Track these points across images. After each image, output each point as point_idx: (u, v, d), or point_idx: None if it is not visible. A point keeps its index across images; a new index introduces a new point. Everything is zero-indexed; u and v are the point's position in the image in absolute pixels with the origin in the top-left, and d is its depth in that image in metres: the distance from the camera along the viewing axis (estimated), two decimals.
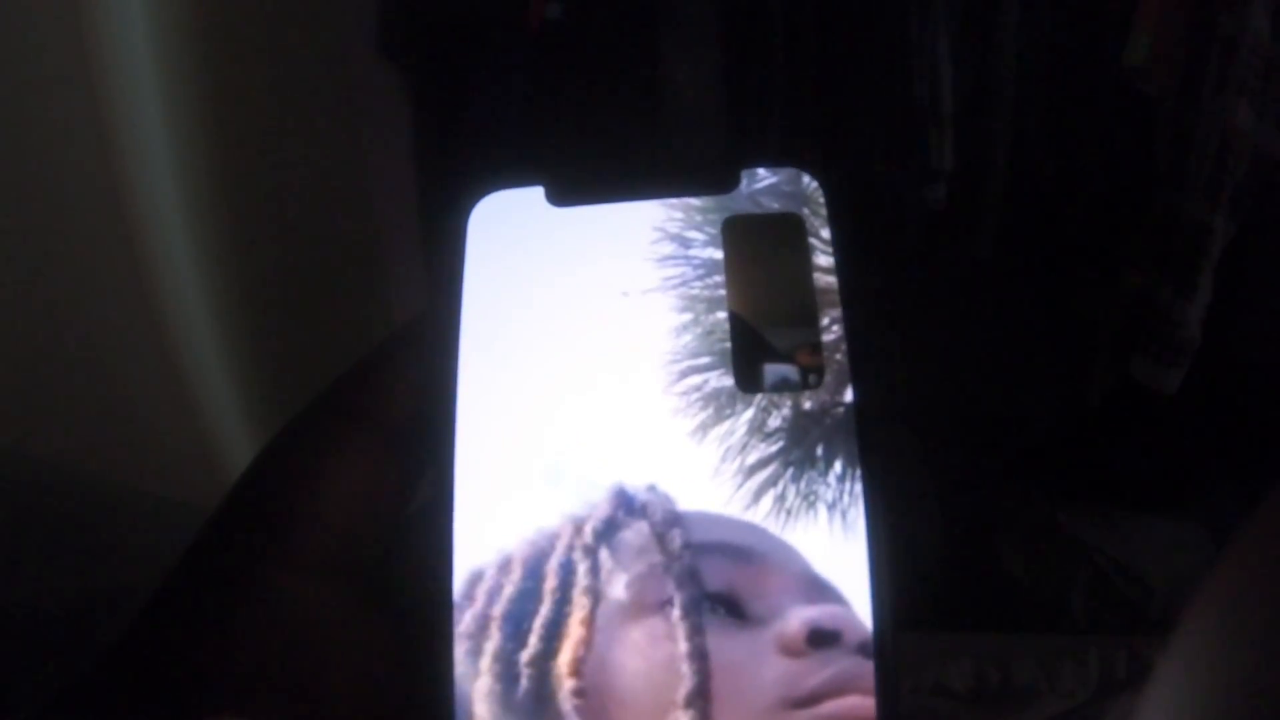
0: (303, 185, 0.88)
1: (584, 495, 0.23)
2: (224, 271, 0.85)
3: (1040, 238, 1.06)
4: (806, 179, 0.25)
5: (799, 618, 0.22)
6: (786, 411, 0.23)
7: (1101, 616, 0.96)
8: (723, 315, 0.24)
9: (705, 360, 0.24)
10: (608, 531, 0.23)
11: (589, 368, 0.24)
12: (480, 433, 0.23)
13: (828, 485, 0.22)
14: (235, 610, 0.22)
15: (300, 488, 0.23)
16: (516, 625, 0.22)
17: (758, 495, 0.22)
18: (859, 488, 0.22)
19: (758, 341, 0.24)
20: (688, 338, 0.24)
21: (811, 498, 0.22)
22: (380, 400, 0.24)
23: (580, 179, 0.25)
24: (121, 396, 0.82)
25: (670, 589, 0.22)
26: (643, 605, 0.22)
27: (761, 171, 0.26)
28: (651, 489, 0.23)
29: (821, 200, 0.25)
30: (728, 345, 0.24)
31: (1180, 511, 1.04)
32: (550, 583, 0.22)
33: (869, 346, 0.24)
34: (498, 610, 0.22)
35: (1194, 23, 1.01)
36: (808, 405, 0.23)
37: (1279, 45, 0.98)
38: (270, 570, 0.23)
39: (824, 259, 0.25)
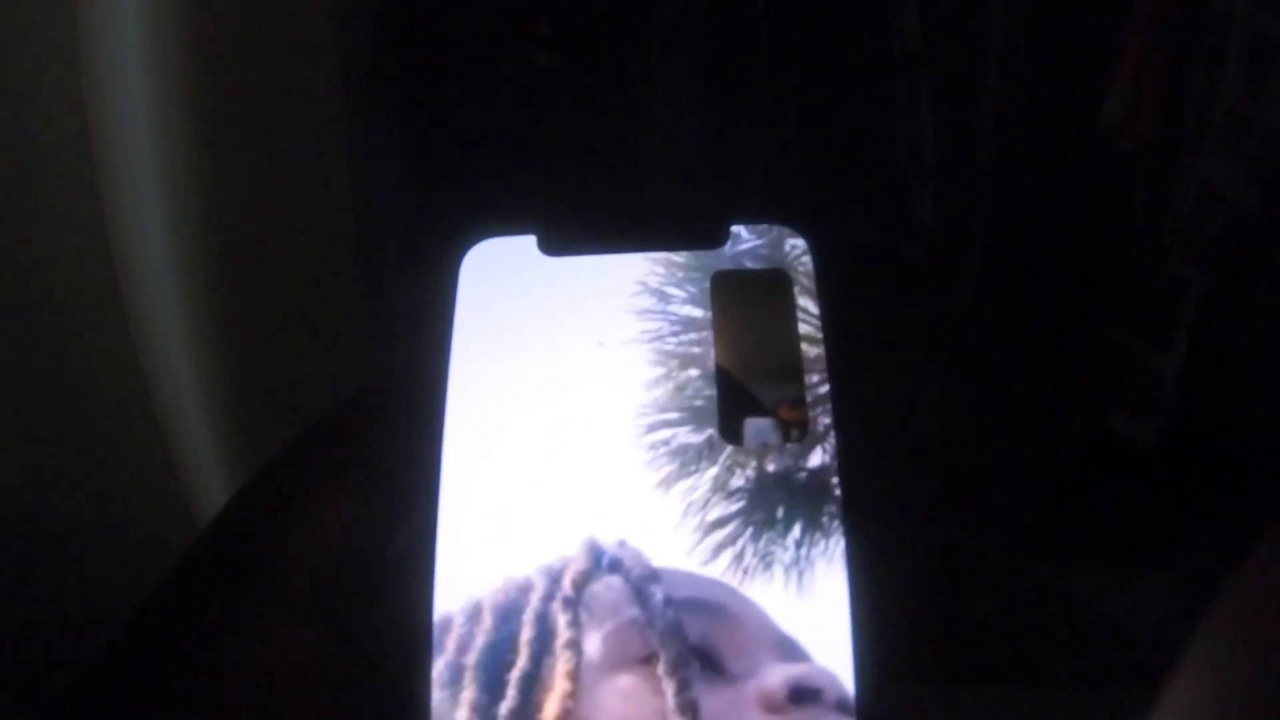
0: (287, 225, 0.89)
1: (555, 546, 0.23)
2: (203, 307, 0.85)
3: (1019, 292, 1.07)
4: (793, 236, 0.26)
5: (780, 674, 0.22)
6: (750, 472, 0.24)
7: (1080, 668, 0.96)
8: (695, 372, 0.25)
9: (675, 415, 0.24)
10: (585, 584, 0.23)
11: (565, 417, 0.24)
12: (458, 479, 0.24)
13: (785, 548, 0.23)
14: (211, 643, 0.22)
15: (281, 524, 0.24)
16: (492, 676, 0.22)
17: (716, 552, 0.23)
18: (818, 551, 0.23)
19: (742, 396, 0.24)
20: (659, 392, 0.24)
21: (769, 559, 0.23)
22: (363, 442, 0.25)
23: (573, 230, 0.26)
24: (93, 431, 0.82)
25: (654, 643, 0.22)
26: (625, 659, 0.22)
27: (749, 228, 0.26)
28: (622, 544, 0.23)
29: (807, 257, 0.26)
30: (698, 402, 0.24)
31: (1158, 564, 1.04)
32: (526, 634, 0.22)
33: (854, 404, 0.24)
34: (470, 660, 0.22)
35: (1171, 81, 1.03)
36: (771, 467, 0.24)
37: (1254, 103, 1.00)
38: (248, 604, 0.23)
39: (810, 315, 0.25)
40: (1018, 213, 1.05)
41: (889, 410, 0.96)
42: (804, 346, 0.25)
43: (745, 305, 0.25)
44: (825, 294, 0.25)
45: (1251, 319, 1.05)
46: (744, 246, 0.26)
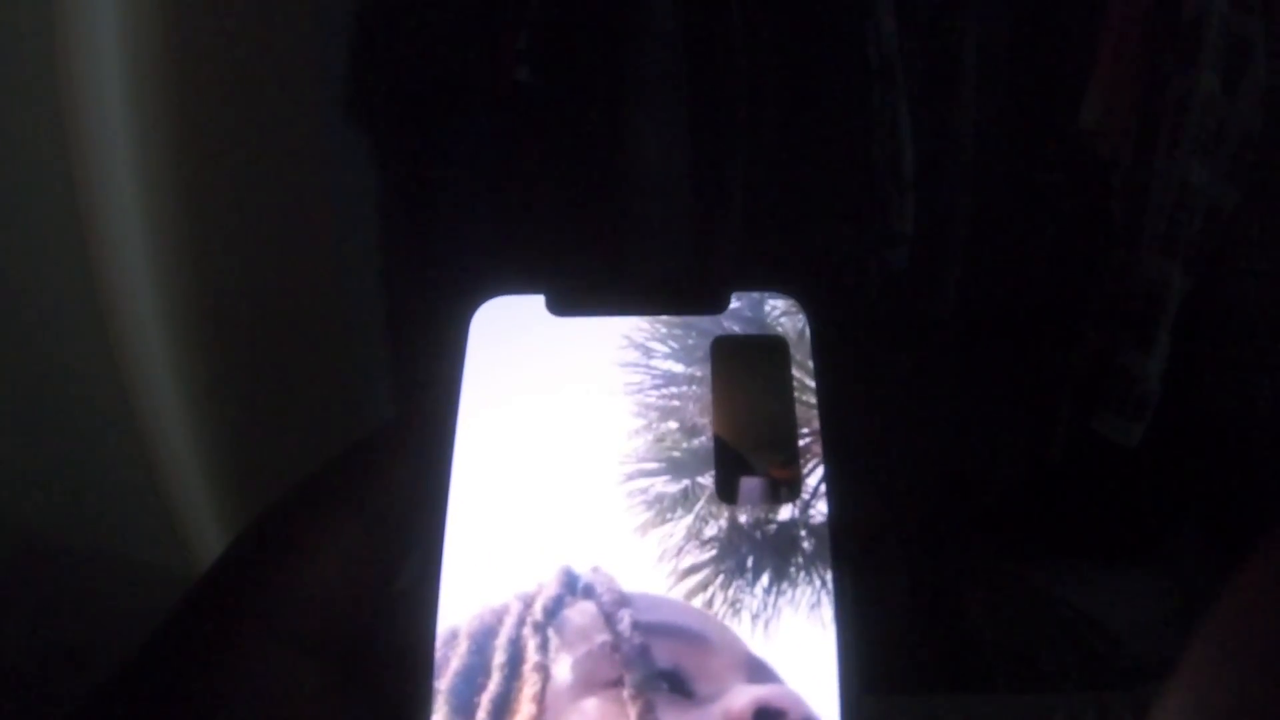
0: (277, 271, 0.89)
1: (531, 574, 0.24)
2: (194, 344, 0.86)
3: (1001, 297, 1.08)
4: (791, 303, 0.27)
5: (746, 695, 0.23)
6: (723, 522, 0.25)
7: (1069, 669, 0.97)
8: (674, 425, 0.26)
9: (653, 465, 0.25)
10: (556, 609, 0.24)
11: (551, 463, 0.25)
12: (454, 519, 0.25)
13: (753, 596, 0.24)
14: (215, 678, 0.23)
15: (285, 563, 0.24)
16: (464, 700, 0.23)
17: (687, 597, 0.24)
18: (785, 600, 0.24)
19: (738, 456, 0.26)
20: (639, 443, 0.25)
21: (737, 605, 0.24)
22: (367, 485, 0.25)
23: (581, 293, 0.28)
24: (88, 467, 0.83)
25: (620, 668, 0.23)
26: (593, 683, 0.23)
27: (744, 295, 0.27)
28: (595, 570, 0.24)
29: (786, 318, 0.27)
30: (675, 454, 0.25)
31: (1145, 562, 1.05)
32: (499, 658, 0.23)
33: (845, 467, 0.25)
34: (444, 684, 0.23)
35: (1147, 84, 1.03)
36: (742, 520, 0.25)
37: (1230, 102, 1.01)
38: (252, 641, 0.23)
39: (801, 377, 0.26)
40: (998, 218, 1.06)
41: (871, 417, 0.97)
42: (799, 407, 0.26)
43: (744, 369, 0.26)
44: (821, 360, 0.26)
45: (1233, 317, 1.06)
46: (744, 309, 0.27)
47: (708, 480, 0.25)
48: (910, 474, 1.05)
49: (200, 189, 0.83)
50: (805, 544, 0.24)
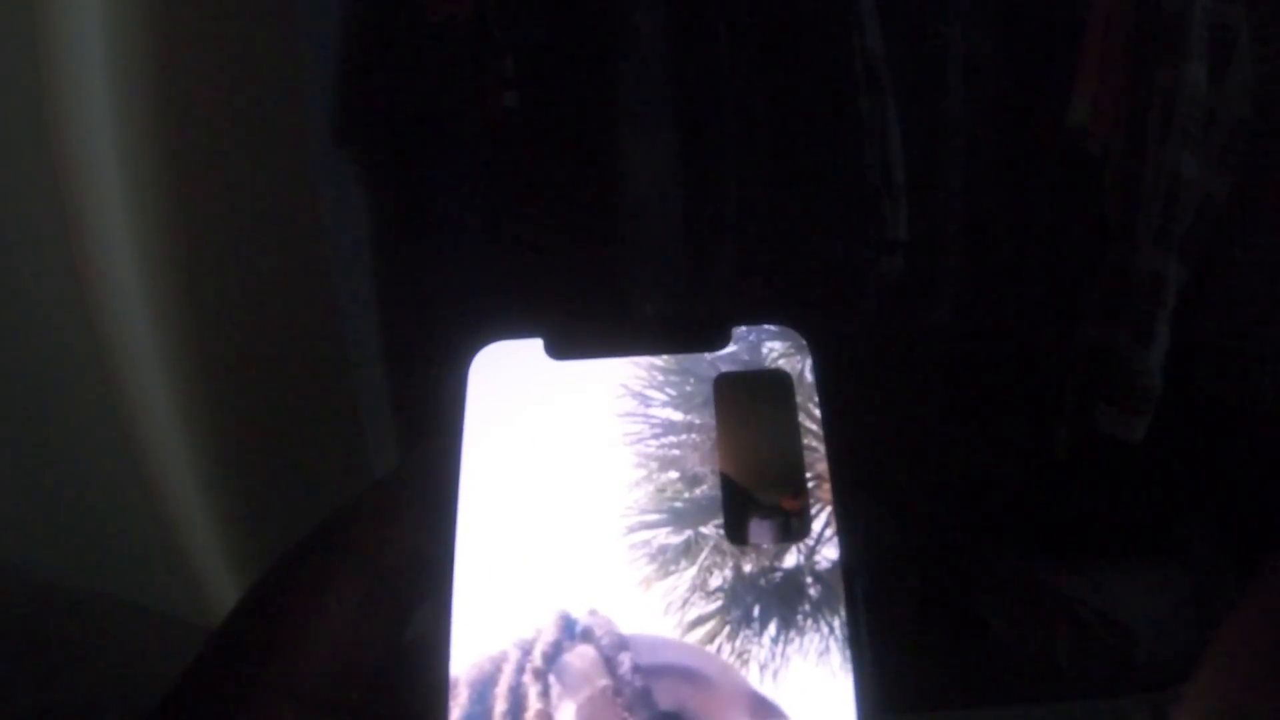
0: (279, 325, 0.90)
1: (529, 620, 0.24)
2: (202, 398, 0.87)
3: (998, 298, 1.08)
4: (788, 344, 0.27)
5: None
6: (728, 573, 0.24)
7: (1087, 666, 0.97)
8: (674, 474, 0.25)
9: (654, 517, 0.25)
10: (556, 654, 0.24)
11: (552, 515, 0.25)
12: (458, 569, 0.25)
13: (761, 646, 0.24)
14: None
15: (293, 621, 0.24)
16: None
17: None
18: (793, 649, 0.23)
19: (745, 495, 0.25)
20: (640, 494, 0.25)
21: (745, 656, 0.24)
22: (371, 539, 0.25)
23: (580, 335, 0.27)
24: (101, 518, 0.83)
25: (623, 712, 0.23)
26: None
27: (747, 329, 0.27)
28: (593, 613, 0.24)
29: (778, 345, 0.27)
30: (678, 504, 0.25)
31: (1157, 555, 1.05)
32: (500, 706, 0.23)
33: (854, 491, 0.25)
34: None
35: (1133, 80, 1.03)
36: (747, 569, 0.24)
37: (1217, 92, 1.01)
38: (263, 699, 0.23)
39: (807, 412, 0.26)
40: (991, 220, 1.06)
41: (877, 425, 0.97)
42: (806, 443, 0.25)
43: (748, 405, 0.26)
44: (826, 395, 0.26)
45: (1232, 306, 1.06)
46: (747, 345, 0.27)
47: (711, 530, 0.25)
48: (919, 483, 1.05)
49: (200, 242, 0.84)
50: (812, 590, 0.24)
